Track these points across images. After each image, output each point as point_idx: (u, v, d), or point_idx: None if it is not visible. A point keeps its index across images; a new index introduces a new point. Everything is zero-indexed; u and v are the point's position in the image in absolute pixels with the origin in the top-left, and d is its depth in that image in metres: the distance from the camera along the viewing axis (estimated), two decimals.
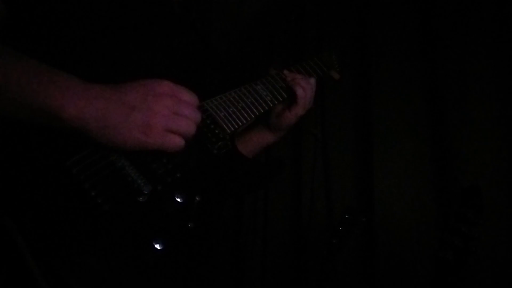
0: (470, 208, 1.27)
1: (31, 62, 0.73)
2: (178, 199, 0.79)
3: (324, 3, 2.58)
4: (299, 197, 2.49)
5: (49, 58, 0.75)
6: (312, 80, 1.21)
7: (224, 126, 0.98)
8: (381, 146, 2.10)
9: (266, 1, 2.79)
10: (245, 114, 1.03)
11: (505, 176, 1.75)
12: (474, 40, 1.87)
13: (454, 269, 1.26)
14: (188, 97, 0.81)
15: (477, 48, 1.86)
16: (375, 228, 2.02)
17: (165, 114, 0.76)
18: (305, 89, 1.16)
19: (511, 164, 1.75)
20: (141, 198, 0.76)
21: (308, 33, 2.64)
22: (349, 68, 2.33)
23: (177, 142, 0.78)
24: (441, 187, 1.90)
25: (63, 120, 0.70)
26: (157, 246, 0.73)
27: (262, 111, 1.09)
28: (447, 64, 1.94)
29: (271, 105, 1.12)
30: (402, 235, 1.97)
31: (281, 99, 1.15)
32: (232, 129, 0.99)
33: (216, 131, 0.96)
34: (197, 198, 0.84)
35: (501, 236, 1.69)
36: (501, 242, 1.69)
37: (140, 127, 0.73)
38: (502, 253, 1.69)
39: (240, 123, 1.01)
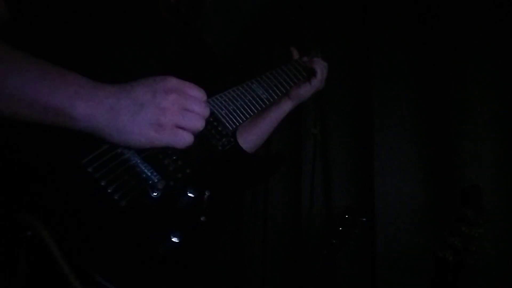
0: (470, 208, 1.27)
1: (43, 64, 0.74)
2: (190, 194, 0.82)
3: (324, 2, 2.58)
4: (299, 197, 2.49)
5: (53, 59, 0.76)
6: (326, 64, 1.42)
7: (226, 123, 1.01)
8: (381, 146, 2.10)
9: (265, 0, 2.79)
10: (244, 112, 1.07)
11: (505, 176, 1.74)
12: (474, 39, 1.87)
13: (454, 269, 1.26)
14: (196, 92, 0.82)
15: (477, 48, 1.86)
16: (375, 228, 2.02)
17: (174, 111, 0.77)
18: (322, 69, 1.39)
19: (511, 164, 1.75)
20: (154, 194, 0.78)
21: (308, 32, 2.64)
22: (349, 68, 2.33)
23: (187, 138, 0.79)
24: (441, 187, 1.90)
25: (75, 119, 0.72)
26: (175, 239, 0.76)
27: (259, 108, 1.13)
28: (447, 64, 1.94)
29: (267, 102, 1.16)
30: (402, 235, 1.97)
31: (276, 97, 1.20)
32: (234, 126, 1.03)
33: (219, 128, 1.00)
34: (206, 193, 0.87)
35: (501, 236, 1.69)
36: (501, 242, 1.69)
37: (150, 124, 0.75)
38: (502, 253, 1.69)
39: (240, 121, 1.05)
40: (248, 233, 2.79)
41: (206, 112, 0.83)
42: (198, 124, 0.81)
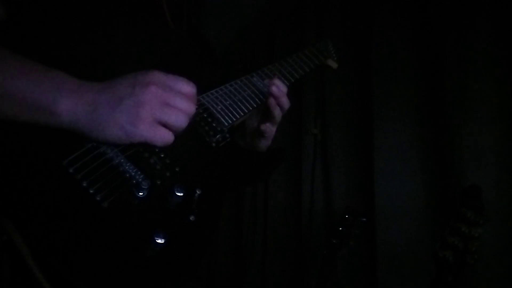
0: (470, 208, 1.27)
1: (25, 61, 0.73)
2: (178, 193, 0.78)
3: (324, 2, 2.58)
4: (299, 197, 2.49)
5: (45, 58, 0.76)
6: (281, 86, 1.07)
7: (222, 119, 0.97)
8: (381, 146, 2.10)
9: (265, 0, 2.79)
10: (242, 107, 1.03)
11: (505, 176, 1.75)
12: (474, 39, 1.87)
13: (454, 269, 1.26)
14: (183, 85, 0.79)
15: (478, 47, 1.86)
16: (375, 228, 2.02)
17: (153, 104, 0.74)
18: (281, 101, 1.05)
19: (511, 164, 1.75)
20: (140, 194, 0.75)
21: (308, 32, 2.64)
22: (349, 68, 2.33)
23: (165, 136, 0.76)
24: (441, 187, 1.90)
25: (57, 115, 0.71)
26: (159, 240, 0.73)
27: (259, 103, 1.08)
28: (447, 64, 1.94)
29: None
30: (402, 235, 1.97)
31: None
32: (230, 122, 0.99)
33: (214, 124, 0.96)
34: (197, 192, 0.84)
35: (501, 236, 1.69)
36: (501, 242, 1.69)
37: (128, 117, 0.73)
38: (502, 253, 1.69)
39: (238, 116, 1.01)
40: (248, 233, 2.79)
41: (189, 108, 0.79)
42: (180, 120, 0.77)
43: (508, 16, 1.80)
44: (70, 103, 0.71)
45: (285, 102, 1.05)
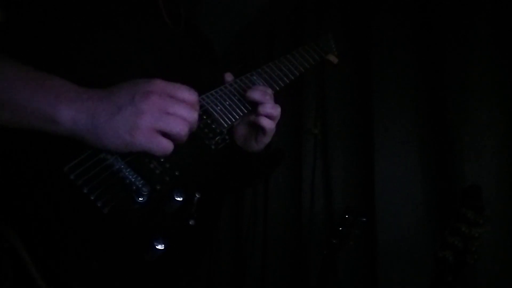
0: (470, 208, 1.27)
1: (25, 68, 0.73)
2: (177, 198, 0.78)
3: (324, 2, 2.58)
4: (299, 197, 2.49)
5: (44, 59, 0.76)
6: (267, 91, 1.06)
7: (221, 120, 0.96)
8: (381, 146, 2.10)
9: (265, 0, 2.79)
10: (241, 107, 1.02)
11: (505, 176, 1.74)
12: (474, 39, 1.87)
13: (454, 269, 1.26)
14: (186, 95, 0.78)
15: (478, 47, 1.86)
16: (375, 228, 2.02)
17: (152, 114, 0.73)
18: (274, 118, 1.04)
19: (511, 164, 1.75)
20: (140, 199, 0.75)
21: (308, 32, 2.64)
22: (349, 68, 2.33)
23: (164, 145, 0.75)
24: (441, 187, 1.90)
25: (58, 122, 0.71)
26: (159, 246, 0.73)
27: None
28: (447, 65, 1.94)
29: None
30: (402, 235, 1.97)
31: (277, 88, 1.13)
32: (229, 122, 0.98)
33: (213, 126, 0.95)
34: (196, 195, 0.84)
35: (501, 236, 1.69)
36: (501, 242, 1.69)
37: (126, 127, 0.72)
38: (502, 253, 1.69)
39: (237, 116, 1.00)
40: (248, 233, 2.79)
41: (192, 116, 0.78)
42: (180, 129, 0.76)
43: (508, 16, 1.80)
44: (70, 111, 0.71)
45: (272, 112, 1.01)
